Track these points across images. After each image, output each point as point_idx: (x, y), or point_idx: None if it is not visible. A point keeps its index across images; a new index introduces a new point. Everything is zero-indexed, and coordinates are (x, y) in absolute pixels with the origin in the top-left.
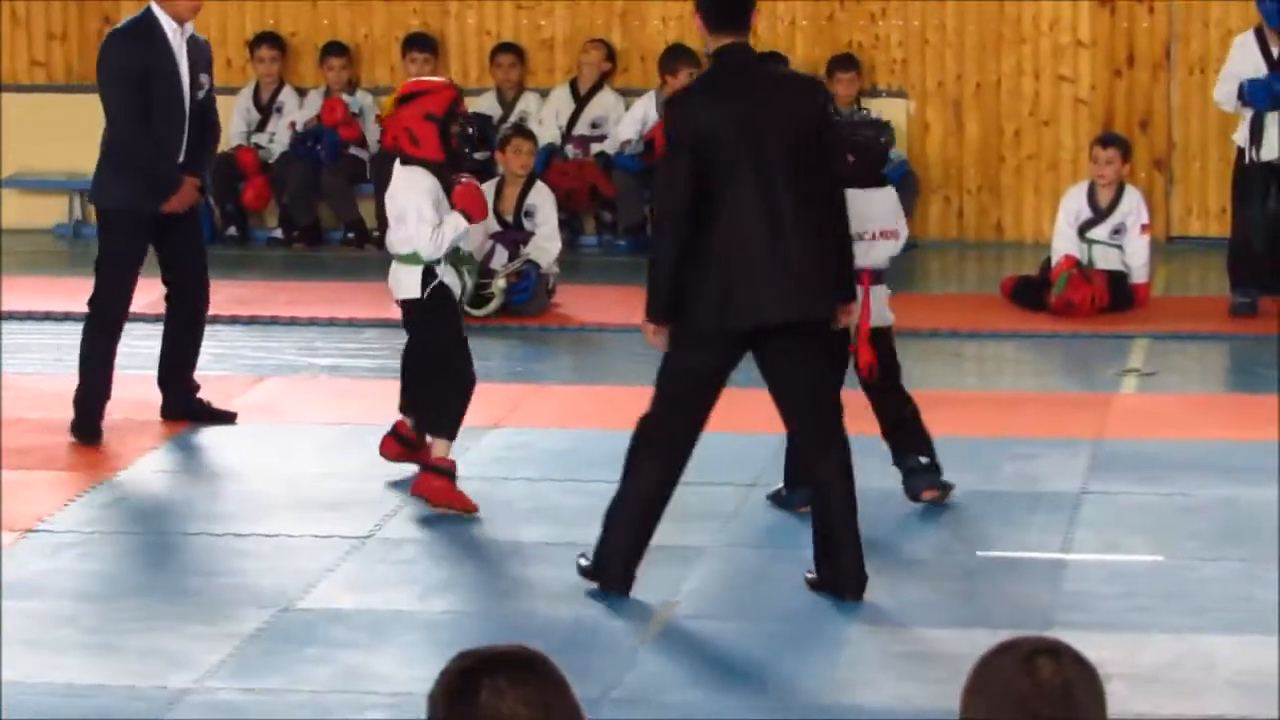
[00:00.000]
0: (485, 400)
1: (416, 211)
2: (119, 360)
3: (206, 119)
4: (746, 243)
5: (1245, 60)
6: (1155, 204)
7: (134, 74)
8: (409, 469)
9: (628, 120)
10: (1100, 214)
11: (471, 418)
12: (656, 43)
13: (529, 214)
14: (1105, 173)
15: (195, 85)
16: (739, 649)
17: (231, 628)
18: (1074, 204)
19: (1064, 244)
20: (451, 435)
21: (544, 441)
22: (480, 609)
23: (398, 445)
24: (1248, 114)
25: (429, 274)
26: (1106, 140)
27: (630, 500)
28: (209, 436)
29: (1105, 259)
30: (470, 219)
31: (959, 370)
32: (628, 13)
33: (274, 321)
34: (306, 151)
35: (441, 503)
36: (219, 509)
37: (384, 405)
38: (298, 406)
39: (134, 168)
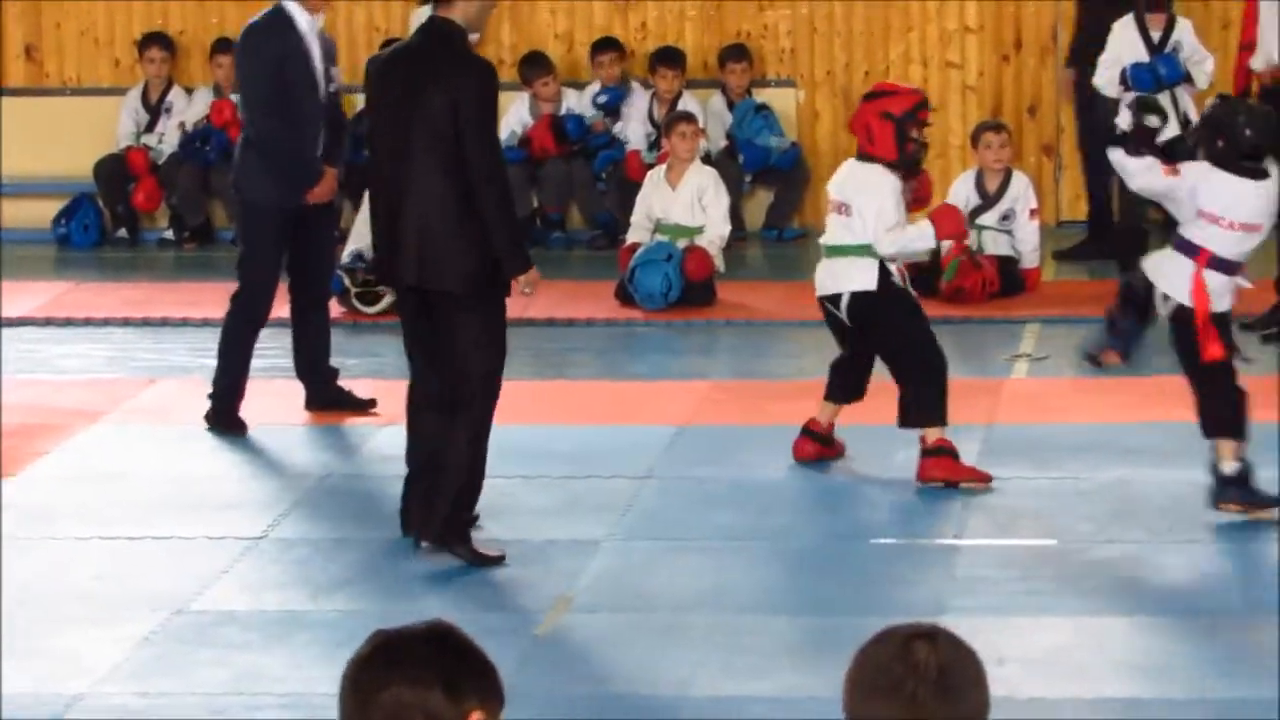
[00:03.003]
0: (378, 396)
1: (878, 208)
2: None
3: (338, 109)
4: None
5: (1125, 44)
6: (1044, 189)
7: (271, 67)
8: (303, 471)
9: (504, 122)
10: (989, 200)
11: (366, 415)
12: (546, 35)
13: None
14: (997, 158)
15: (328, 79)
16: (635, 642)
17: (126, 630)
18: (962, 190)
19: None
20: (940, 419)
21: None
22: (373, 608)
23: (813, 444)
24: (1129, 97)
25: (883, 266)
26: (994, 126)
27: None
28: (101, 439)
29: (995, 245)
30: (954, 239)
31: None
32: (518, 4)
33: (165, 323)
34: (196, 152)
35: (956, 477)
36: (111, 512)
37: (276, 405)
38: (190, 408)
39: (276, 161)
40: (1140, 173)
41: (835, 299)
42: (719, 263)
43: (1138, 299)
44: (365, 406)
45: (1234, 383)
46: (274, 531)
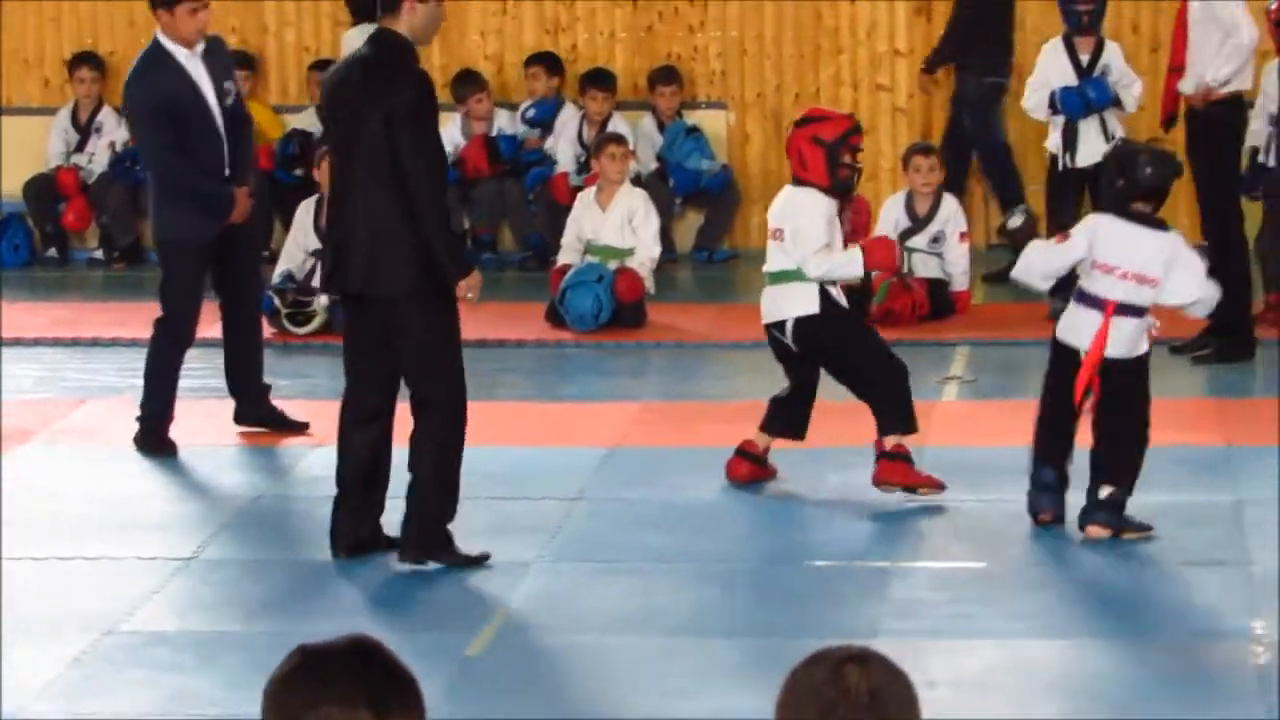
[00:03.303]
0: (310, 418)
1: (807, 232)
2: None
3: (239, 122)
4: None
5: (1054, 67)
6: (975, 212)
7: (159, 108)
8: (234, 492)
9: None
10: (919, 222)
11: (296, 436)
12: (476, 57)
13: None
14: (927, 181)
15: (222, 96)
16: (566, 663)
17: (56, 651)
18: (892, 213)
19: None
20: (912, 427)
21: None
22: (304, 629)
23: (748, 465)
24: (1059, 121)
25: (824, 289)
26: (925, 149)
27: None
28: (31, 460)
29: (925, 267)
30: (884, 270)
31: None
32: (447, 27)
33: (95, 343)
34: (126, 172)
35: (911, 483)
36: (42, 532)
37: (207, 425)
38: (120, 428)
39: (183, 199)
40: (1039, 262)
41: (780, 325)
42: (650, 284)
43: (1046, 433)
44: (297, 427)
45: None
46: (204, 552)
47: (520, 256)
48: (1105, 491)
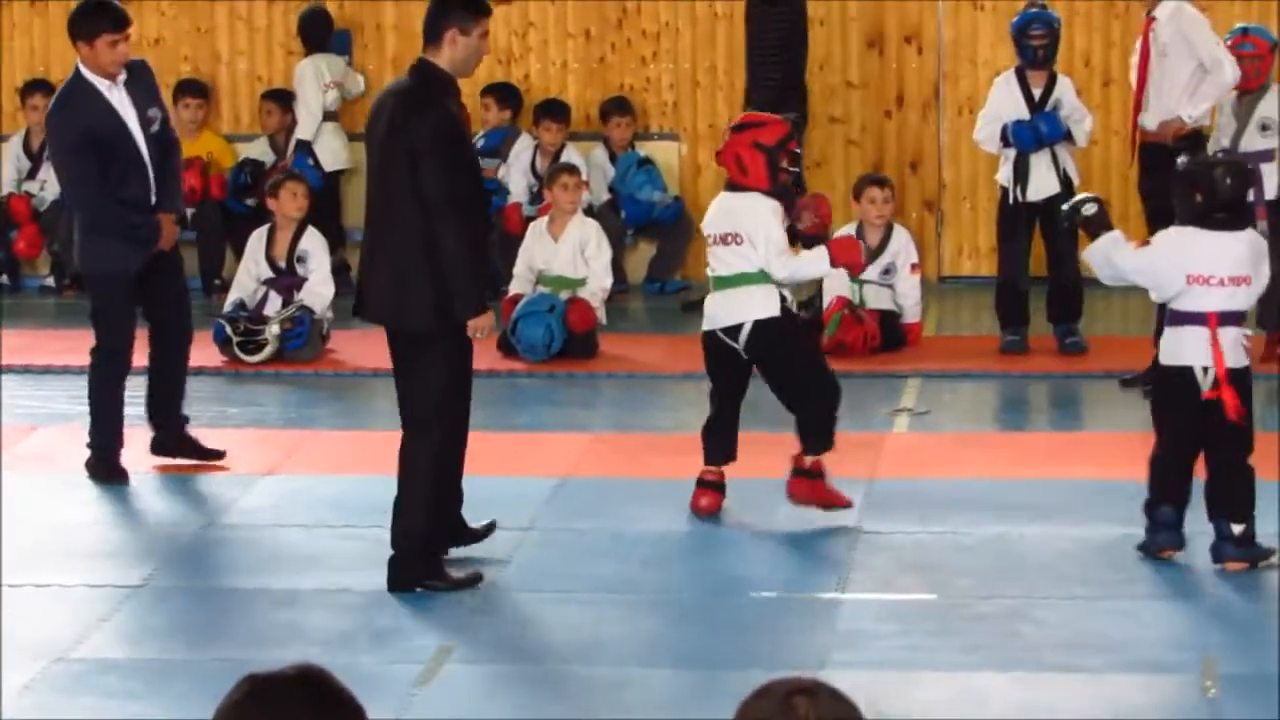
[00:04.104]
0: (260, 446)
1: (766, 234)
2: None
3: (166, 147)
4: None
5: (1006, 100)
6: (926, 244)
7: (81, 140)
8: (184, 520)
9: None
10: (871, 254)
11: (245, 464)
12: None
13: (302, 259)
14: (879, 212)
15: (146, 123)
16: (515, 693)
17: (5, 678)
18: None
19: (835, 285)
20: (831, 446)
21: (319, 488)
22: (255, 657)
23: (711, 494)
24: (1010, 154)
25: (781, 295)
26: (878, 180)
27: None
28: None
29: (877, 299)
30: (848, 271)
31: None
32: (399, 56)
33: (47, 370)
34: None
35: (824, 500)
36: None
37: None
38: (72, 455)
39: (108, 231)
40: (1118, 258)
41: (733, 330)
42: (601, 315)
43: (1168, 471)
44: (213, 456)
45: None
46: (154, 580)
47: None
48: (1238, 529)
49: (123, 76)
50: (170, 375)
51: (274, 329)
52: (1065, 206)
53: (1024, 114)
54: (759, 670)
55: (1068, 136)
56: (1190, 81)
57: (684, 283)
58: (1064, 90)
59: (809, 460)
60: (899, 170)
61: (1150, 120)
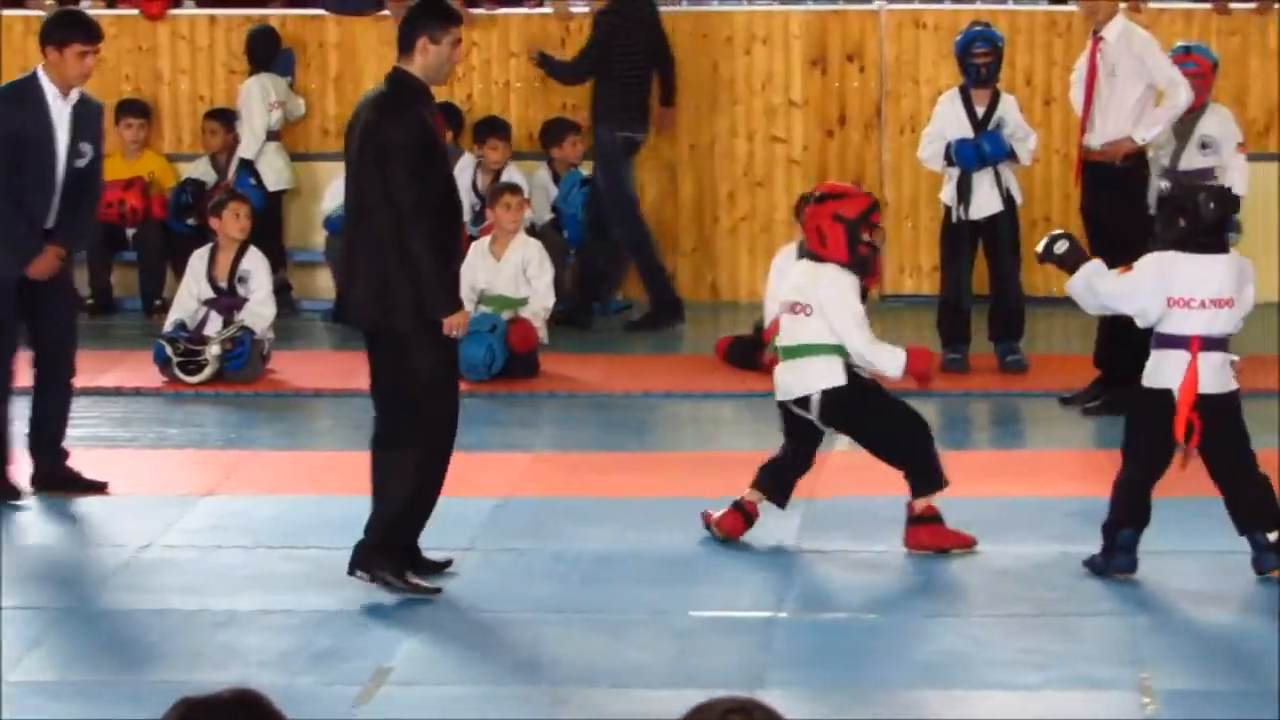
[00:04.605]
0: (200, 467)
1: (844, 307)
2: None
3: (85, 186)
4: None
5: (949, 119)
6: None
7: (5, 139)
8: (122, 541)
9: (330, 193)
10: None
11: (185, 485)
12: None
13: (243, 280)
14: None
15: (75, 154)
16: (454, 713)
17: None
18: (785, 264)
19: (777, 304)
20: (941, 484)
21: (259, 508)
22: (192, 679)
23: (741, 520)
24: (954, 173)
25: (846, 361)
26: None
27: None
28: None
29: None
30: (916, 381)
31: (675, 432)
32: (341, 77)
33: None
34: None
35: (944, 545)
36: None
37: (96, 474)
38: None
39: None
40: (1102, 286)
41: (802, 402)
42: (543, 335)
43: (1134, 494)
44: (96, 488)
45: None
46: (91, 601)
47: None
48: (1273, 536)
49: (75, 97)
50: (53, 407)
51: (214, 349)
52: (1038, 249)
53: (968, 132)
54: (696, 690)
55: (1011, 155)
56: (1139, 102)
57: (625, 303)
58: (1007, 108)
59: (920, 505)
60: None
61: (1096, 140)
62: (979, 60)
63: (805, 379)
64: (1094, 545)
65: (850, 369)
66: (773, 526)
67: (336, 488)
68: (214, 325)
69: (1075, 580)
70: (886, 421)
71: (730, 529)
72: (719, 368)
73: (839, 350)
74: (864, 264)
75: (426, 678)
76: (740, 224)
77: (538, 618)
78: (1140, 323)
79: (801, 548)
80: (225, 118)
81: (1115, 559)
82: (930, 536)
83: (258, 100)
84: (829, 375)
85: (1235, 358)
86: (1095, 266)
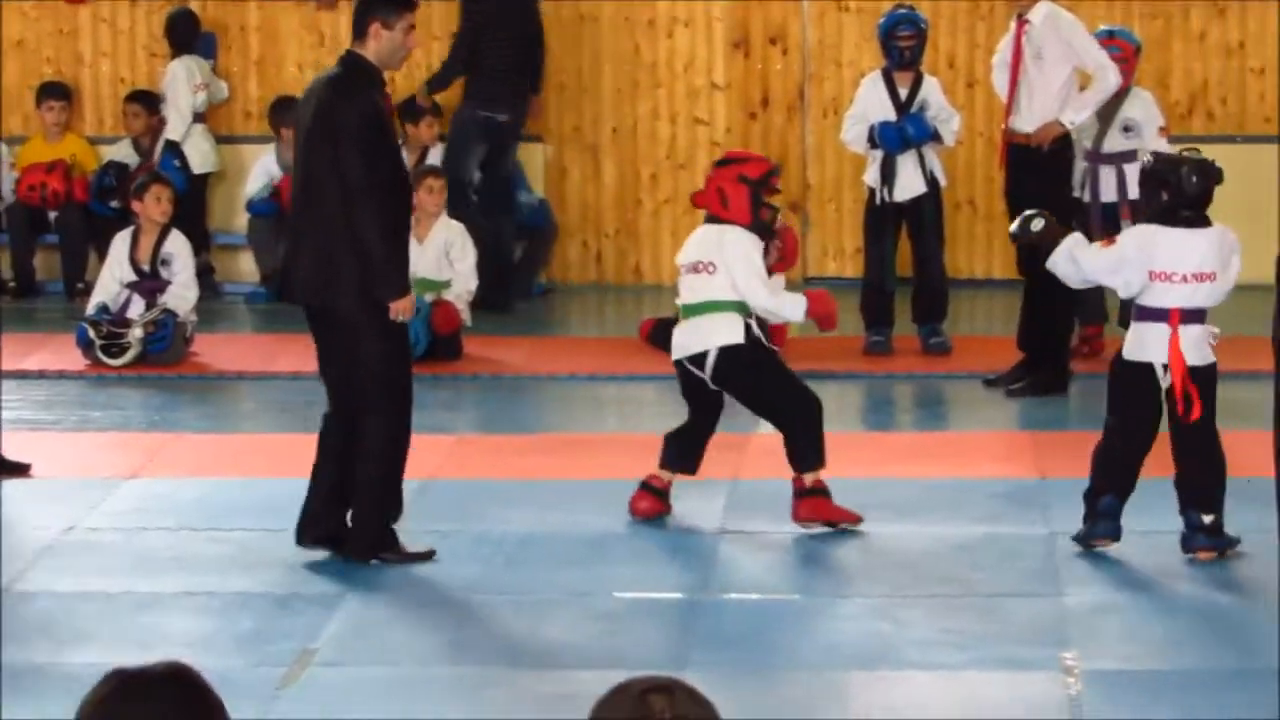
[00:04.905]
0: (123, 450)
1: (747, 263)
2: None
3: None
4: None
5: (872, 102)
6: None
7: None
8: (46, 523)
9: (253, 176)
10: None
11: (109, 468)
12: (294, 89)
13: (166, 262)
14: None
15: None
16: (377, 695)
17: None
18: None
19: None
20: (824, 461)
21: (182, 491)
22: (117, 660)
23: (651, 499)
24: (877, 155)
25: (746, 322)
26: None
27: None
28: None
29: None
30: (818, 323)
31: (599, 414)
32: (264, 59)
33: None
34: None
35: (831, 518)
36: None
37: (18, 458)
38: None
39: None
40: (1085, 259)
41: (698, 358)
42: (466, 317)
43: (1114, 462)
44: (19, 470)
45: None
46: (17, 585)
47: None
48: (1208, 519)
49: None
50: None
51: (137, 332)
52: (1013, 228)
53: (891, 115)
54: (620, 671)
55: (935, 137)
56: (1064, 86)
57: (549, 284)
58: (930, 90)
59: (808, 479)
60: None
61: (1022, 123)
62: (903, 43)
63: (704, 335)
64: (1017, 526)
65: (748, 330)
66: (696, 508)
67: (260, 470)
68: (137, 308)
69: (998, 561)
70: (779, 388)
71: (645, 510)
72: (642, 350)
73: (740, 308)
74: (764, 228)
75: (351, 660)
76: (663, 206)
77: (462, 599)
78: (1122, 294)
79: (725, 529)
80: (147, 100)
81: (1097, 526)
82: (819, 510)
83: (183, 82)
84: (728, 332)
85: (1216, 330)
86: (1076, 239)
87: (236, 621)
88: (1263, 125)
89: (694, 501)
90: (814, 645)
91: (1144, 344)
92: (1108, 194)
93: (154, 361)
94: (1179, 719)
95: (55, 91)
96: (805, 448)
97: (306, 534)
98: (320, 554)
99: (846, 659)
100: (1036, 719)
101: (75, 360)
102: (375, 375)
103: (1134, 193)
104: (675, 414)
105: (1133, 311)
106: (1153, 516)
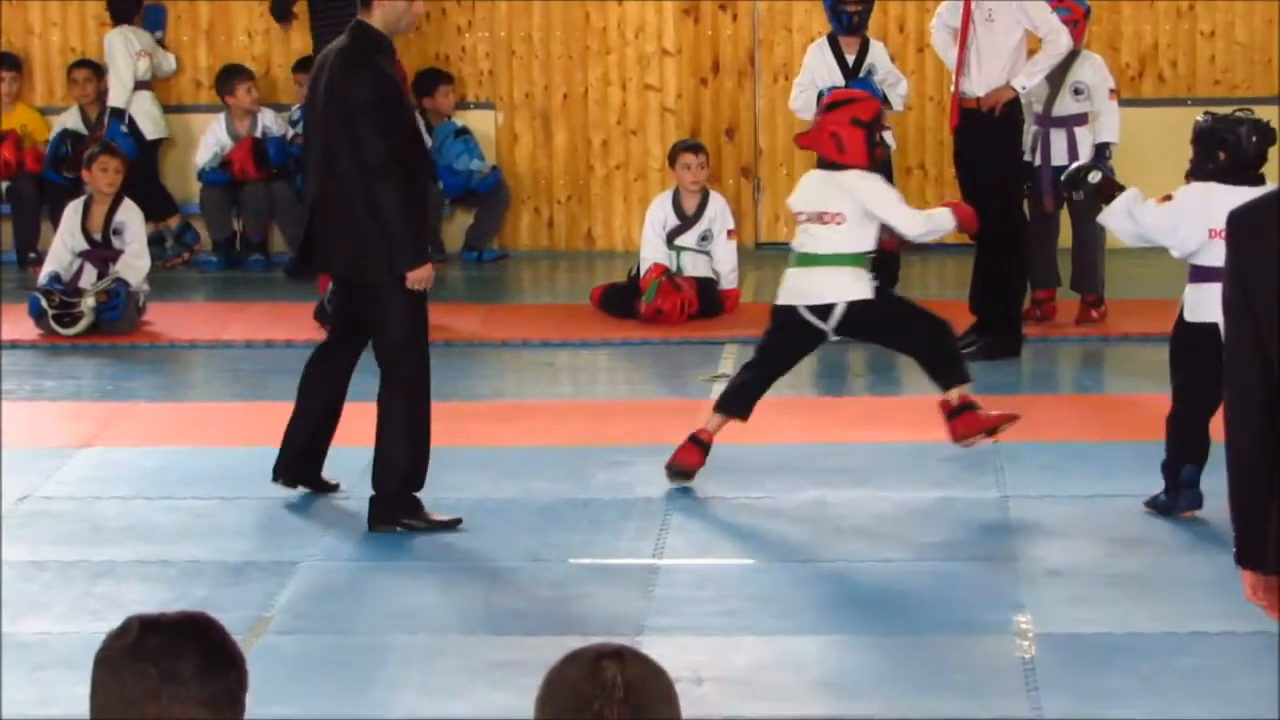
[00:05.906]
0: (76, 419)
1: (887, 200)
2: None
3: None
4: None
5: (820, 68)
6: (744, 211)
7: None
8: (4, 490)
9: (203, 145)
10: (687, 221)
11: (61, 437)
12: (244, 59)
13: (118, 232)
14: (694, 178)
15: None
16: (333, 664)
17: None
18: (660, 212)
19: (652, 252)
20: (969, 376)
21: (136, 459)
22: (73, 629)
23: (700, 453)
24: None
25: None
26: (693, 147)
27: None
28: None
29: (694, 266)
30: (963, 225)
31: (552, 380)
32: (213, 28)
33: None
34: None
35: (989, 426)
36: None
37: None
38: None
39: None
40: (1143, 215)
41: (822, 310)
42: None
43: (1188, 430)
44: None
45: None
46: None
47: (289, 258)
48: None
49: None
50: None
51: (89, 301)
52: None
53: (839, 80)
54: (575, 637)
55: (884, 101)
56: (1015, 49)
57: (500, 251)
58: (877, 55)
59: (954, 396)
60: (714, 137)
61: (972, 87)
62: (850, 9)
63: (833, 288)
64: (970, 490)
65: (874, 284)
66: (651, 473)
67: (213, 439)
68: (89, 277)
69: (952, 525)
70: (908, 325)
71: (694, 463)
72: (595, 316)
73: (862, 261)
74: (879, 168)
75: (305, 628)
76: (615, 172)
77: (416, 566)
78: (1177, 253)
79: (679, 495)
80: (91, 67)
81: (1181, 497)
82: (972, 424)
83: (120, 50)
84: (857, 287)
85: None
86: (1133, 195)
87: (190, 590)
88: (1212, 88)
89: (648, 468)
90: (770, 611)
91: (1203, 304)
92: (1058, 157)
93: (106, 331)
94: (1131, 682)
95: (6, 62)
96: (946, 368)
97: (281, 473)
98: (292, 493)
99: (802, 624)
100: (990, 683)
101: (28, 330)
102: (401, 343)
103: (1085, 156)
104: (627, 380)
105: (1188, 273)
106: (1107, 481)
